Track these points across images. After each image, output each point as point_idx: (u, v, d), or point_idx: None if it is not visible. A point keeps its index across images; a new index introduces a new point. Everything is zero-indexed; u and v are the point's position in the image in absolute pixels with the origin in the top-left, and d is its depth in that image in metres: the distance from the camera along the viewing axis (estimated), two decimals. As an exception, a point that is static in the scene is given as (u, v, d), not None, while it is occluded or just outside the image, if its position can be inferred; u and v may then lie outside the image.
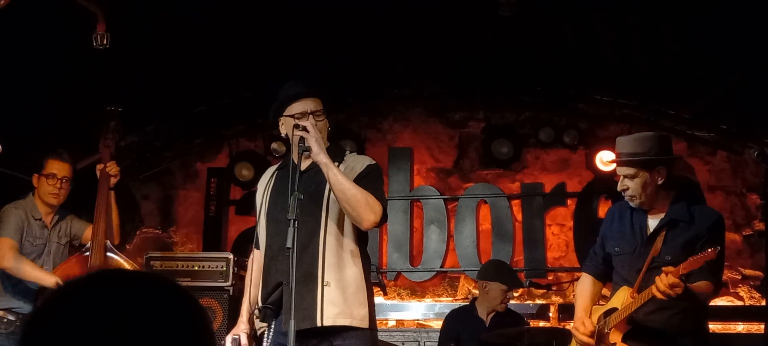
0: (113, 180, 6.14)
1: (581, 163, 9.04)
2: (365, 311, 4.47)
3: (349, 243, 4.52)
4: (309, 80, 4.65)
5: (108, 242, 6.09)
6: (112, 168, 6.13)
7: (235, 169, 9.24)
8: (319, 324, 4.32)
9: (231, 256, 7.62)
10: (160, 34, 7.36)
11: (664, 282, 4.25)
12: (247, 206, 8.80)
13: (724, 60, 7.63)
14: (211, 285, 7.50)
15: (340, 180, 4.37)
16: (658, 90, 8.48)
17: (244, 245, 8.42)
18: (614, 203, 5.16)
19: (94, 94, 7.11)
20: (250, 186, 8.71)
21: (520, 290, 8.92)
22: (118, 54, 6.36)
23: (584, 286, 5.08)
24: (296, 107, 4.51)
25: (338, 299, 4.37)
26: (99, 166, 6.17)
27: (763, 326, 8.27)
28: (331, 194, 4.46)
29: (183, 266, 7.63)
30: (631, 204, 4.78)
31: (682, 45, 7.63)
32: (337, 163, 4.52)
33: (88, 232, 6.30)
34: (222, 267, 7.55)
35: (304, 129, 4.37)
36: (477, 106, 9.42)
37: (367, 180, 4.53)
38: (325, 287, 4.35)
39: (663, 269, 4.34)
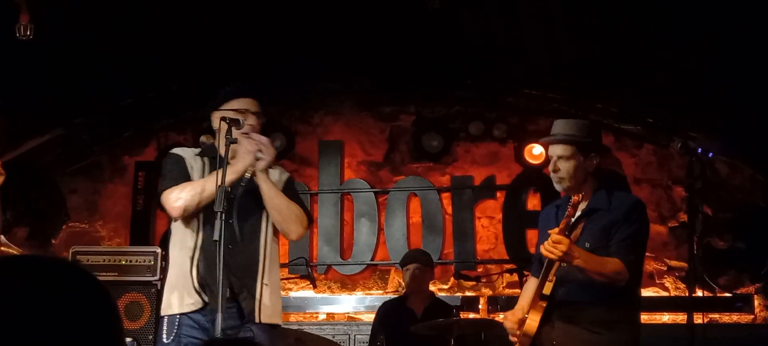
0: None
1: (510, 157, 9.12)
2: (281, 309, 4.76)
3: (278, 246, 4.80)
4: (250, 84, 4.84)
5: None
6: None
7: (164, 163, 9.12)
8: (257, 321, 4.50)
9: (159, 250, 7.56)
10: (86, 25, 7.23)
11: (549, 239, 4.33)
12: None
13: (651, 54, 7.74)
14: (138, 279, 7.45)
15: (276, 195, 4.58)
16: (586, 84, 8.57)
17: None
18: (544, 208, 5.14)
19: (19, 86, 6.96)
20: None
21: (451, 282, 8.99)
22: (42, 45, 6.23)
23: (526, 286, 5.11)
24: (237, 103, 4.63)
25: (272, 300, 4.60)
26: None
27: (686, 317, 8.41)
28: None
29: (110, 261, 7.55)
30: (558, 188, 4.76)
31: (610, 39, 7.72)
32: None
33: None
34: (150, 261, 7.49)
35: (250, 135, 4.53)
36: (407, 100, 9.45)
37: (290, 194, 4.74)
38: (264, 286, 4.55)
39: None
